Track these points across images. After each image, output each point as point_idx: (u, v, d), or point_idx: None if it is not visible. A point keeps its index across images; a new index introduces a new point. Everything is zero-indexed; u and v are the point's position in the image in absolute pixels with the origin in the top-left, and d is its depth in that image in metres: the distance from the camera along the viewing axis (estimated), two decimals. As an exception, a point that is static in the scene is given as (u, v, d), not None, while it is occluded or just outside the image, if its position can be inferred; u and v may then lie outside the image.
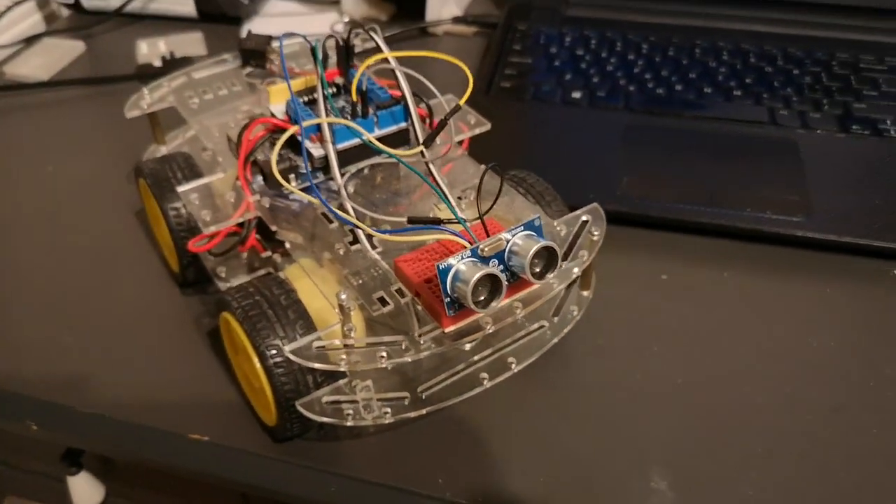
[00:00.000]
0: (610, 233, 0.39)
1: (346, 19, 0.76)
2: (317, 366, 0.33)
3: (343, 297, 0.35)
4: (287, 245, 0.40)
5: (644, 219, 0.50)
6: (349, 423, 0.34)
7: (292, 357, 0.33)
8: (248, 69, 0.51)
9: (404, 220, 0.37)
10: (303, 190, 0.39)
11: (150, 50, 0.72)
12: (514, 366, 0.36)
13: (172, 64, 0.69)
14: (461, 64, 0.39)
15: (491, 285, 0.30)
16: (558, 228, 0.38)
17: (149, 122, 0.50)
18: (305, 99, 0.42)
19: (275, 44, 0.50)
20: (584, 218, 0.39)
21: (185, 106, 0.48)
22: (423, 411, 0.34)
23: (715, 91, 0.60)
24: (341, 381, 0.35)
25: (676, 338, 0.44)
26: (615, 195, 0.51)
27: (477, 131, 0.45)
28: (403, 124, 0.41)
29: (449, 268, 0.31)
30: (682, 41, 0.66)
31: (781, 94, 0.60)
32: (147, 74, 0.68)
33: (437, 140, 0.41)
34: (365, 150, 0.41)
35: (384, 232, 0.35)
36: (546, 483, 0.37)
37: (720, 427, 0.40)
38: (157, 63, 0.70)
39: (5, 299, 0.48)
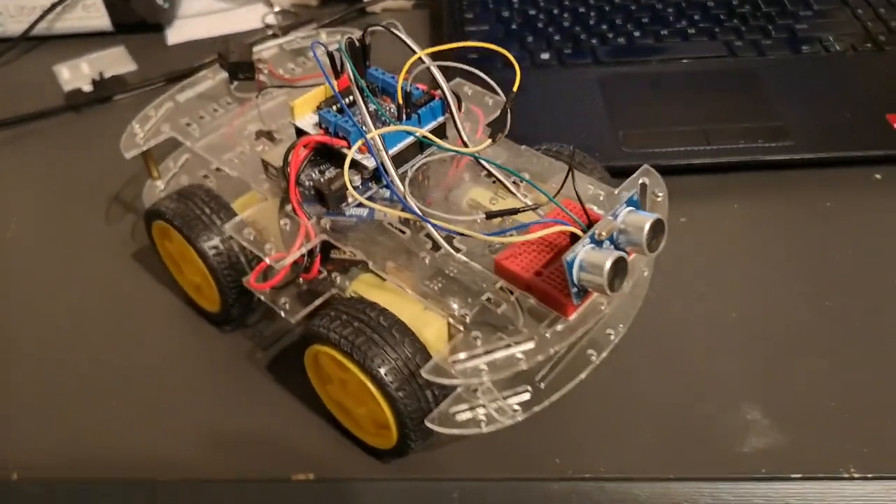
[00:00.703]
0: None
1: (277, 9, 0.72)
2: (457, 382, 0.32)
3: (455, 306, 0.34)
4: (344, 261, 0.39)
5: (659, 170, 0.52)
6: (486, 430, 0.34)
7: (432, 378, 0.32)
8: (236, 83, 0.47)
9: (475, 217, 0.37)
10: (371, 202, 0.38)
11: (73, 74, 0.65)
12: (612, 336, 0.37)
13: (105, 86, 0.64)
14: (503, 51, 0.39)
15: (616, 267, 0.31)
16: (623, 195, 0.39)
17: (141, 158, 0.46)
18: (335, 108, 0.40)
19: (256, 48, 0.47)
20: (642, 181, 0.40)
21: (187, 133, 0.45)
22: (547, 402, 0.35)
23: (671, 34, 0.62)
24: (459, 390, 0.35)
25: (714, 275, 0.47)
26: (621, 151, 0.52)
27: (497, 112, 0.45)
28: (441, 118, 0.40)
29: (574, 258, 0.31)
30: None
31: (730, 27, 0.63)
32: (81, 103, 0.63)
33: (467, 128, 0.41)
34: (410, 152, 0.40)
35: (495, 234, 0.35)
36: (655, 437, 0.39)
37: (782, 350, 0.43)
38: (87, 87, 0.64)
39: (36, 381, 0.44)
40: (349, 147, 0.38)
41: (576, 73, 0.60)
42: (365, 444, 0.39)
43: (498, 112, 0.39)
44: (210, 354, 0.45)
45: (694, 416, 0.40)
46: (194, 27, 0.71)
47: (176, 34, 0.70)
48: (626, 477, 0.38)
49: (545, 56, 0.61)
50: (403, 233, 0.38)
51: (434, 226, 0.35)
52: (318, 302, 0.39)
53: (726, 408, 0.40)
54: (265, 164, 0.39)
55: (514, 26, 0.64)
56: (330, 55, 0.41)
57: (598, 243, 0.32)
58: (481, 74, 0.40)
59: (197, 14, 0.72)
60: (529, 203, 0.38)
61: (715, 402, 0.41)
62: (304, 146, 0.38)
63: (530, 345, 0.33)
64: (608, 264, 0.30)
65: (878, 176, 0.53)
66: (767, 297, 0.46)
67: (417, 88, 0.41)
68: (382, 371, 0.34)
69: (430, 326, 0.37)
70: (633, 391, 0.41)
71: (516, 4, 0.67)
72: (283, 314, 0.39)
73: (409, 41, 0.40)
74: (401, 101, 0.38)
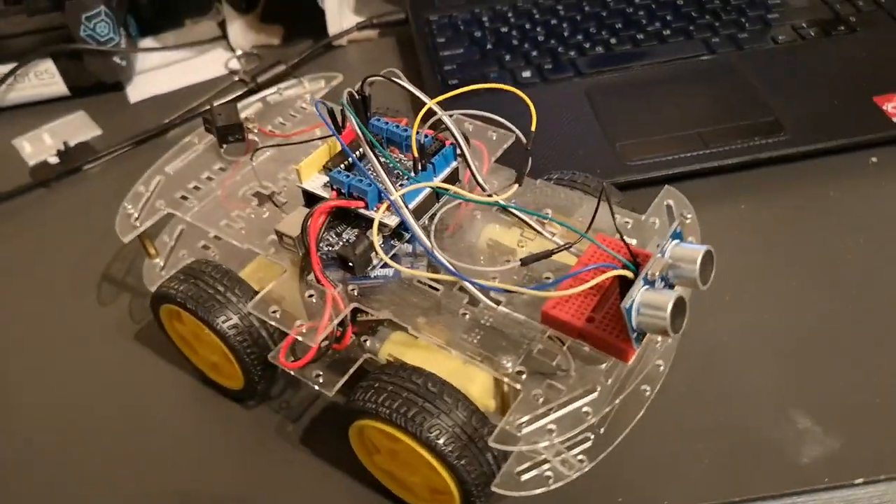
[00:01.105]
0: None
1: (239, 53, 0.70)
2: (527, 448, 0.31)
3: (507, 363, 0.33)
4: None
5: (659, 180, 0.51)
6: (554, 487, 0.33)
7: (500, 447, 0.31)
8: (225, 145, 0.45)
9: (512, 265, 0.36)
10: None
11: (35, 147, 0.62)
12: (662, 368, 0.36)
13: (72, 155, 0.61)
14: (520, 94, 0.37)
15: (676, 308, 0.30)
16: (651, 221, 0.38)
17: (138, 239, 0.43)
18: (342, 166, 0.38)
19: (275, 99, 0.45)
20: (667, 203, 0.39)
21: (184, 208, 0.42)
22: (611, 447, 0.34)
23: (647, 37, 0.62)
24: (521, 447, 0.34)
25: (736, 281, 0.46)
26: (623, 166, 0.52)
27: (506, 145, 0.44)
28: (454, 163, 0.39)
29: (632, 304, 0.30)
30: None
31: (704, 24, 0.63)
32: (49, 178, 0.59)
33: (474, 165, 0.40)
34: (428, 202, 0.38)
35: (541, 288, 0.33)
36: (712, 460, 0.39)
37: (817, 351, 0.43)
38: (53, 159, 0.61)
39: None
40: (367, 207, 0.37)
41: (560, 88, 0.59)
42: (421, 512, 0.38)
43: (504, 145, 0.38)
44: (238, 432, 0.43)
45: (745, 432, 0.40)
46: (154, 82, 0.68)
47: (137, 91, 0.67)
48: (691, 507, 0.37)
49: (526, 74, 0.60)
50: (436, 289, 0.36)
51: (474, 283, 0.33)
52: (352, 370, 0.38)
53: (775, 419, 0.40)
54: (280, 235, 0.37)
55: (488, 46, 0.63)
56: (330, 111, 0.40)
57: (651, 283, 0.31)
58: (500, 119, 0.39)
59: (155, 68, 0.69)
60: (559, 241, 0.37)
61: (763, 415, 0.40)
62: (322, 213, 0.36)
63: (593, 396, 0.32)
64: (669, 307, 0.29)
65: (874, 159, 0.53)
66: (792, 298, 0.45)
67: (427, 136, 0.39)
68: (441, 441, 0.32)
69: (475, 381, 0.36)
70: (679, 416, 0.40)
71: (487, 23, 0.65)
72: (317, 388, 0.37)
73: (414, 90, 0.38)
74: (416, 155, 0.37)
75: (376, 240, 0.34)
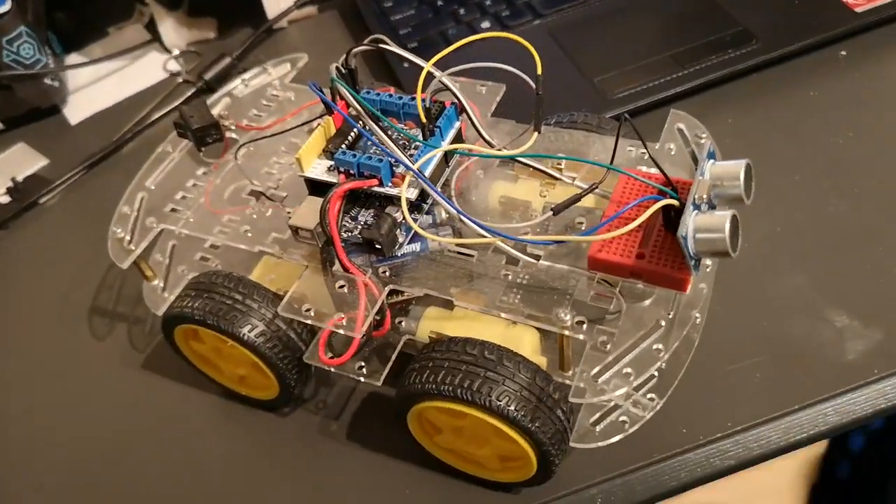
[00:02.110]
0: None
1: (176, 52, 0.66)
2: (609, 397, 0.30)
3: (566, 317, 0.32)
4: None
5: (644, 108, 0.51)
6: (631, 430, 0.32)
7: (581, 401, 0.30)
8: (204, 148, 0.43)
9: (545, 217, 0.34)
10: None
11: (-21, 188, 0.58)
12: (705, 290, 0.36)
13: (24, 191, 0.57)
14: (522, 41, 0.36)
15: (733, 226, 0.29)
16: (668, 148, 0.38)
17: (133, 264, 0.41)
18: (344, 146, 0.36)
19: (241, 91, 0.43)
20: (677, 126, 0.38)
21: (178, 221, 0.40)
22: (677, 378, 0.33)
23: None
24: (605, 397, 0.33)
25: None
26: (607, 100, 0.51)
27: (498, 98, 0.42)
28: (458, 124, 0.37)
29: (687, 231, 0.29)
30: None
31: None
32: (6, 218, 0.55)
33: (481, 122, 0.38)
34: (440, 169, 0.36)
35: (589, 233, 0.32)
36: (763, 374, 0.39)
37: (837, 248, 0.43)
38: (4, 198, 0.57)
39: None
40: (381, 184, 0.35)
41: (523, 33, 0.56)
42: (490, 482, 0.37)
43: (496, 98, 0.37)
44: (281, 442, 0.41)
45: (788, 340, 0.40)
46: (92, 99, 0.64)
47: (76, 112, 0.63)
48: (755, 423, 0.37)
49: (485, 24, 0.58)
50: (470, 256, 0.35)
51: (518, 240, 0.32)
52: (395, 354, 0.36)
53: (813, 323, 0.40)
54: (295, 230, 0.35)
55: (439, 2, 0.61)
56: (320, 90, 0.37)
57: (697, 206, 0.30)
58: (516, 71, 0.37)
59: (89, 84, 0.65)
60: (582, 185, 0.36)
61: (800, 321, 0.40)
62: (338, 198, 0.34)
63: (661, 331, 0.31)
64: (727, 226, 0.29)
65: (843, 53, 0.53)
66: (801, 201, 0.46)
67: (424, 100, 0.37)
68: (512, 408, 0.31)
69: (523, 342, 0.35)
70: (720, 336, 0.40)
71: (431, -18, 0.63)
72: (362, 380, 0.36)
73: (407, 54, 0.36)
74: (424, 120, 0.35)
75: (407, 215, 0.32)
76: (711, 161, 0.31)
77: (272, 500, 0.39)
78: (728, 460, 0.36)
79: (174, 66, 0.65)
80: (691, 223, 0.29)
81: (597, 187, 0.35)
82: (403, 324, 0.37)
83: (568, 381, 0.34)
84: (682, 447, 0.37)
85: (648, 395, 0.33)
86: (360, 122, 0.36)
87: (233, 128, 0.43)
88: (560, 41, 0.56)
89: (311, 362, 0.36)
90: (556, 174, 0.37)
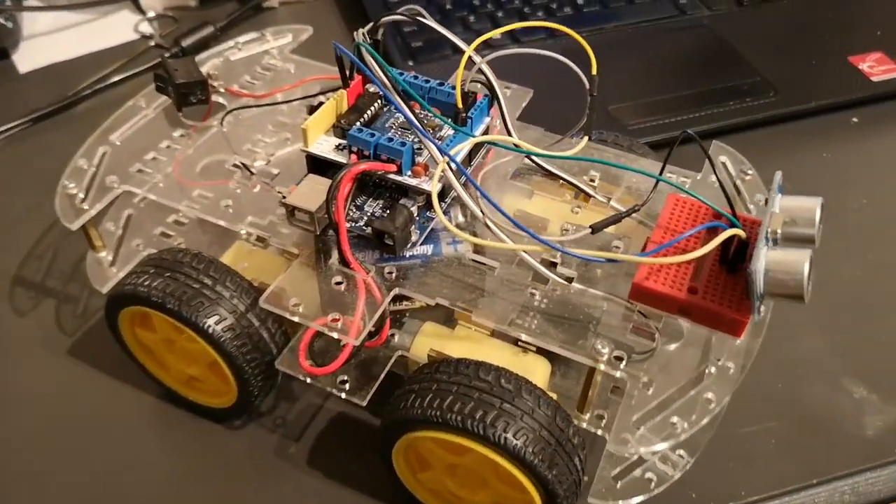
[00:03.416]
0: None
1: (151, 14, 0.59)
2: (665, 446, 0.26)
3: (604, 349, 0.27)
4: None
5: (660, 143, 0.48)
6: (657, 491, 0.28)
7: (622, 452, 0.26)
8: (184, 108, 0.37)
9: (583, 233, 0.30)
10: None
11: None
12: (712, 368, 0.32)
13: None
14: (577, 36, 0.33)
15: (811, 267, 0.26)
16: (711, 180, 0.34)
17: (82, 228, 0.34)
18: (359, 123, 0.31)
19: (236, 55, 0.37)
20: (721, 159, 0.35)
21: (146, 184, 0.34)
22: (708, 435, 0.29)
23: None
24: (609, 447, 0.29)
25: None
26: (623, 129, 0.48)
27: (524, 102, 0.38)
28: (488, 119, 0.33)
29: (757, 267, 0.25)
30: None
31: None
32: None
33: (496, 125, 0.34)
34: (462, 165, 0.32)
35: (648, 254, 0.28)
36: (779, 442, 0.35)
37: (851, 314, 0.40)
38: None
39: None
40: (399, 172, 0.30)
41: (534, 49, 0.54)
42: (475, 532, 0.32)
43: (523, 102, 0.34)
44: (227, 459, 0.35)
45: (804, 407, 0.37)
46: (48, 49, 0.57)
47: (27, 60, 0.56)
48: (771, 495, 0.34)
49: (496, 36, 0.55)
50: (491, 267, 0.30)
51: (567, 252, 0.27)
52: (385, 371, 0.31)
53: (831, 391, 0.37)
54: (291, 210, 0.30)
55: (447, 6, 0.57)
56: (339, 59, 0.33)
57: (774, 242, 0.27)
58: (570, 63, 0.34)
59: (47, 33, 0.58)
60: (620, 207, 0.32)
61: (817, 388, 0.37)
62: (350, 180, 0.29)
63: (710, 379, 0.27)
64: (806, 266, 0.25)
65: (854, 119, 0.52)
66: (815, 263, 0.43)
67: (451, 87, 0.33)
68: (530, 449, 0.26)
69: (536, 374, 0.30)
70: (735, 396, 0.37)
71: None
72: (343, 397, 0.30)
73: (449, 34, 0.32)
74: (460, 106, 0.31)
75: (437, 205, 0.27)
76: (779, 195, 0.28)
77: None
78: (740, 534, 0.33)
79: (147, 28, 0.59)
80: (763, 259, 0.26)
81: (639, 209, 0.31)
82: (396, 338, 0.32)
83: (586, 426, 0.30)
84: (692, 513, 0.33)
85: (678, 452, 0.29)
86: (374, 103, 0.31)
87: (221, 90, 0.37)
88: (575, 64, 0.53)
89: (285, 369, 0.30)
90: (591, 191, 0.33)
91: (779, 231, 0.26)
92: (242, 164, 0.35)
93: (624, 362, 0.27)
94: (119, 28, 0.59)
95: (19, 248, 0.43)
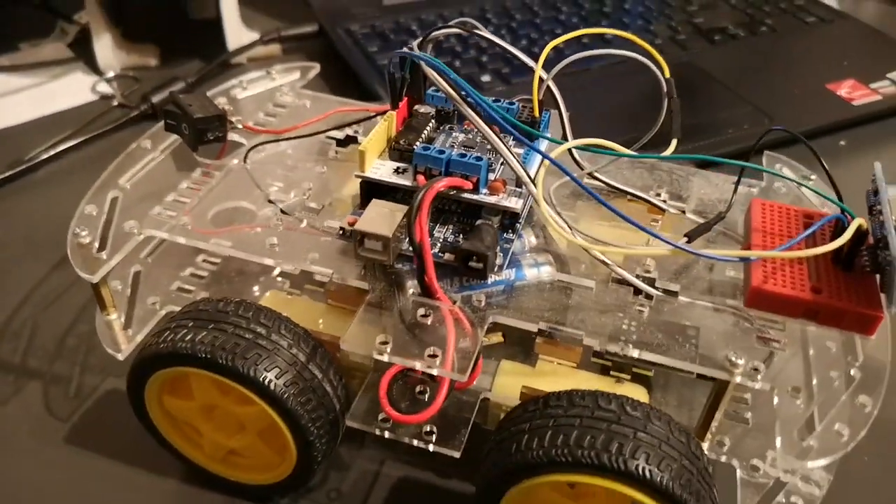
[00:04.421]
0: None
1: (110, 74, 0.55)
2: (835, 458, 0.23)
3: (739, 360, 0.25)
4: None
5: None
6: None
7: (811, 465, 0.23)
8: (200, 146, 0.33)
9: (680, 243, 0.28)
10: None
11: None
12: (852, 370, 0.30)
13: None
14: (644, 44, 0.31)
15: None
16: (776, 186, 0.33)
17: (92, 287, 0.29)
18: (418, 143, 0.29)
19: (242, 94, 0.33)
20: (778, 166, 0.34)
21: (167, 227, 0.29)
22: (844, 451, 0.27)
23: (591, 40, 0.59)
24: (741, 473, 0.26)
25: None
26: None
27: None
28: (549, 135, 0.31)
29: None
30: (510, 4, 0.63)
31: (641, 27, 0.61)
32: None
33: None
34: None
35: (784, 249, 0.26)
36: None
37: None
38: None
39: None
40: (476, 189, 0.27)
41: (523, 90, 0.53)
42: None
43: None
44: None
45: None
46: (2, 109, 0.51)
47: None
48: (881, 515, 0.31)
49: (486, 78, 0.54)
50: (588, 288, 0.27)
51: (701, 255, 0.25)
52: (473, 415, 0.27)
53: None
54: (360, 238, 0.26)
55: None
56: (390, 76, 0.30)
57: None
58: (647, 63, 0.32)
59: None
60: (695, 217, 0.31)
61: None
62: (431, 198, 0.26)
63: (856, 383, 0.25)
64: (947, 249, 0.24)
65: (842, 142, 0.53)
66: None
67: (513, 103, 0.31)
68: (676, 484, 0.23)
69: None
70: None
71: (417, 31, 0.58)
72: (432, 448, 0.26)
73: (513, 49, 0.30)
74: (537, 114, 0.29)
75: (548, 214, 0.24)
76: (885, 185, 0.27)
77: None
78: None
79: (106, 88, 0.54)
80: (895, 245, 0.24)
81: (724, 216, 0.30)
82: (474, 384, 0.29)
83: (708, 453, 0.27)
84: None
85: (820, 472, 0.26)
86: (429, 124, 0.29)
87: (239, 126, 0.34)
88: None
89: (359, 424, 0.26)
90: (663, 205, 0.31)
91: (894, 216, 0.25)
92: (273, 201, 0.31)
93: (762, 373, 0.24)
94: (74, 90, 0.54)
95: (-9, 323, 0.37)
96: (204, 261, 0.34)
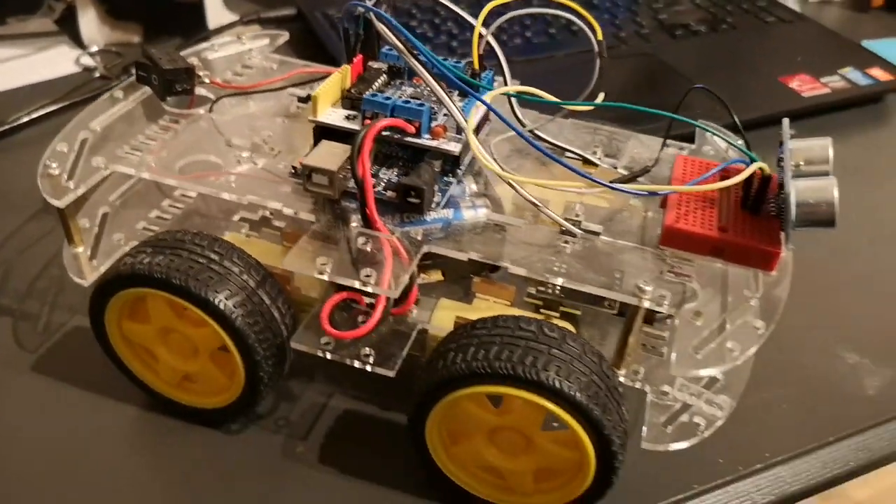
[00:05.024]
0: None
1: (94, 49, 0.57)
2: (724, 369, 0.25)
3: (647, 287, 0.27)
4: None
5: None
6: (707, 433, 0.27)
7: (691, 374, 0.25)
8: (171, 97, 0.35)
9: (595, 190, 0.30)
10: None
11: None
12: (752, 301, 0.33)
13: None
14: (584, 12, 0.34)
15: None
16: (706, 150, 0.36)
17: (61, 219, 0.31)
18: (372, 90, 0.31)
19: (212, 55, 0.36)
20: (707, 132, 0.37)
21: (133, 164, 0.31)
22: (746, 380, 0.29)
23: (558, 31, 0.62)
24: (651, 397, 0.28)
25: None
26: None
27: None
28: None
29: (791, 193, 0.26)
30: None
31: (606, 20, 0.64)
32: None
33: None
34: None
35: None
36: (784, 400, 0.35)
37: (835, 289, 0.42)
38: None
39: None
40: (418, 134, 0.30)
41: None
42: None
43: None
44: (228, 467, 0.31)
45: (807, 375, 0.37)
46: (-19, 78, 0.53)
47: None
48: (792, 455, 0.33)
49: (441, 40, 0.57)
50: (517, 226, 0.30)
51: (616, 188, 0.27)
52: (411, 339, 0.29)
53: (829, 358, 0.38)
54: (308, 173, 0.28)
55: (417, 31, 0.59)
56: (345, 31, 0.32)
57: (798, 174, 0.28)
58: (579, 22, 0.34)
59: (-20, 64, 0.55)
60: (625, 172, 0.33)
61: (815, 356, 0.38)
62: (372, 138, 0.28)
63: (754, 308, 0.27)
64: (835, 191, 0.26)
65: (792, 132, 0.56)
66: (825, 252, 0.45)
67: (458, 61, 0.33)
68: (583, 394, 0.25)
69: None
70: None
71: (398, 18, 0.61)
72: (369, 368, 0.28)
73: (459, 10, 0.33)
74: (476, 67, 0.31)
75: (478, 150, 0.27)
76: (791, 131, 0.29)
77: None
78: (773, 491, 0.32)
79: (89, 61, 0.56)
80: (793, 187, 0.27)
81: (650, 170, 0.32)
82: (415, 312, 0.31)
83: (623, 381, 0.29)
84: (724, 478, 0.32)
85: (721, 397, 0.28)
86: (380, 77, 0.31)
87: (206, 81, 0.36)
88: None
89: (303, 346, 0.28)
90: (596, 161, 0.34)
91: (801, 163, 0.27)
92: (232, 145, 0.33)
93: (668, 299, 0.27)
94: (58, 62, 0.56)
95: (-41, 267, 0.39)
96: (170, 205, 0.36)
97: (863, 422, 0.35)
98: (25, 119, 0.49)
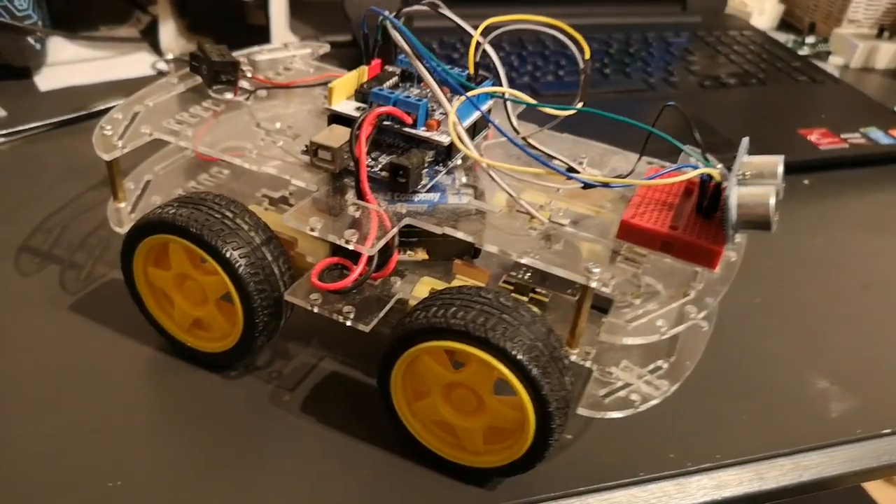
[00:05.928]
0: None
1: (170, 56, 0.65)
2: (652, 339, 0.28)
3: (595, 269, 0.30)
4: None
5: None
6: (642, 409, 0.30)
7: (614, 340, 0.28)
8: (216, 86, 0.41)
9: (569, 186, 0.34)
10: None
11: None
12: (690, 293, 0.35)
13: None
14: (565, 26, 0.37)
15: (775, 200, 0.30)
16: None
17: (107, 173, 0.37)
18: (384, 87, 0.35)
19: (259, 57, 0.41)
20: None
21: (178, 134, 0.36)
22: (689, 372, 0.32)
23: (593, 71, 0.66)
24: (595, 373, 0.31)
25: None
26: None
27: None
28: (490, 102, 0.38)
29: (732, 196, 0.29)
30: (525, 36, 0.71)
31: (637, 67, 0.68)
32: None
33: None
34: (478, 126, 0.36)
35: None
36: (749, 417, 0.37)
37: (815, 323, 0.44)
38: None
39: None
40: (415, 125, 0.34)
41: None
42: (463, 472, 0.32)
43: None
44: (223, 405, 0.35)
45: (773, 391, 0.39)
46: (69, 73, 0.61)
47: (47, 80, 0.60)
48: (742, 459, 0.35)
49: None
50: (493, 211, 0.34)
51: (577, 179, 0.31)
52: (389, 305, 0.33)
53: (797, 380, 0.40)
54: (315, 149, 0.33)
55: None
56: (365, 35, 0.37)
57: (744, 183, 0.30)
58: (564, 38, 0.38)
59: (71, 61, 0.62)
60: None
61: (785, 376, 0.40)
62: (371, 122, 0.33)
63: (692, 296, 0.30)
64: (772, 198, 0.29)
65: (806, 181, 0.58)
66: (778, 284, 0.47)
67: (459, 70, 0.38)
68: (525, 356, 0.28)
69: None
70: (709, 378, 0.39)
71: (437, 49, 0.66)
72: (349, 323, 0.32)
73: (459, 20, 0.37)
74: (472, 71, 0.35)
75: (462, 134, 0.31)
76: (745, 155, 0.32)
77: (212, 464, 0.33)
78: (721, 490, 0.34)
79: (163, 66, 0.63)
80: (735, 191, 0.29)
81: (627, 176, 0.35)
82: (399, 283, 0.35)
83: (575, 359, 0.32)
84: (668, 471, 0.34)
85: (661, 380, 0.31)
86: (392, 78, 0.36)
87: (248, 76, 0.41)
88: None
89: (295, 299, 0.32)
90: (579, 168, 0.37)
91: (748, 174, 0.30)
92: (260, 125, 0.38)
93: (614, 280, 0.30)
94: (136, 65, 0.63)
95: (28, 223, 0.45)
96: (206, 179, 0.41)
97: (818, 440, 0.37)
98: (101, 107, 0.56)
